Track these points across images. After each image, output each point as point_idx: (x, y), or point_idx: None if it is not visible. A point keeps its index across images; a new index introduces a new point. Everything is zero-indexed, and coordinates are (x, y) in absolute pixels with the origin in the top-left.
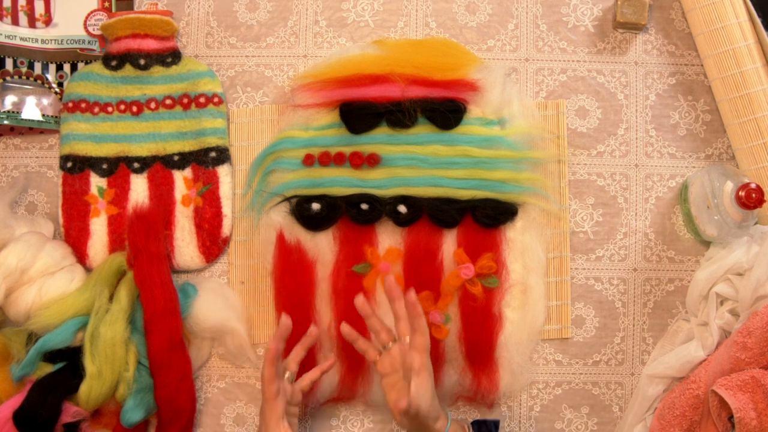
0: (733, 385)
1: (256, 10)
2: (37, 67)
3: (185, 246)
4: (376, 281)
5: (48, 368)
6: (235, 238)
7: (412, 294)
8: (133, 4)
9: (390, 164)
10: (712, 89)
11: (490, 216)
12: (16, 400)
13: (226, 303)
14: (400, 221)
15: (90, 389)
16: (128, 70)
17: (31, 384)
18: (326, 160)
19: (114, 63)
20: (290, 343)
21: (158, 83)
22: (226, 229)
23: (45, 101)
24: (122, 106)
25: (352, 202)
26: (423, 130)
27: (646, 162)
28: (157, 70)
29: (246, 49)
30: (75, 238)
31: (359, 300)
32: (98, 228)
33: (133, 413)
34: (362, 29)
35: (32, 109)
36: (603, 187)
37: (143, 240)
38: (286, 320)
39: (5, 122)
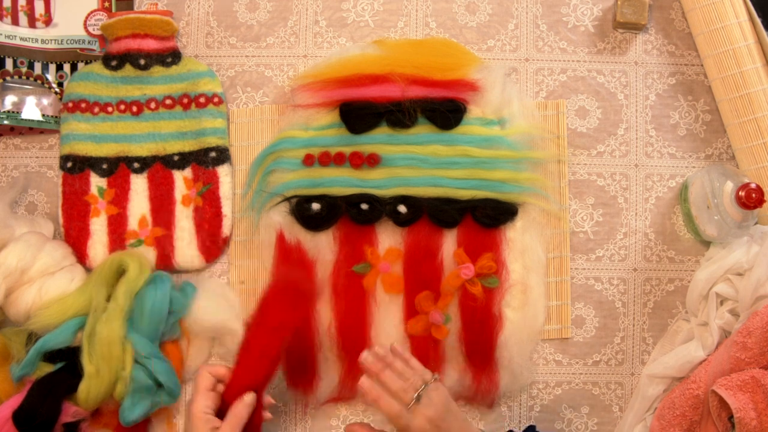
0: (733, 385)
1: (256, 10)
2: (37, 67)
3: (185, 246)
4: (376, 281)
5: (48, 368)
6: (235, 238)
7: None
8: (133, 4)
9: (390, 164)
10: (712, 89)
11: (490, 216)
12: (15, 400)
13: (226, 303)
14: (400, 221)
15: (88, 389)
16: (128, 70)
17: (30, 384)
18: (326, 160)
19: (114, 63)
20: (292, 341)
21: (158, 83)
22: (226, 229)
23: (45, 101)
24: (122, 106)
25: (352, 202)
26: (423, 130)
27: (646, 162)
28: (157, 70)
29: (246, 49)
30: (75, 238)
31: (364, 355)
32: (98, 228)
33: (130, 412)
34: (362, 29)
35: (32, 109)
36: (603, 187)
37: (282, 315)
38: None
39: (5, 122)
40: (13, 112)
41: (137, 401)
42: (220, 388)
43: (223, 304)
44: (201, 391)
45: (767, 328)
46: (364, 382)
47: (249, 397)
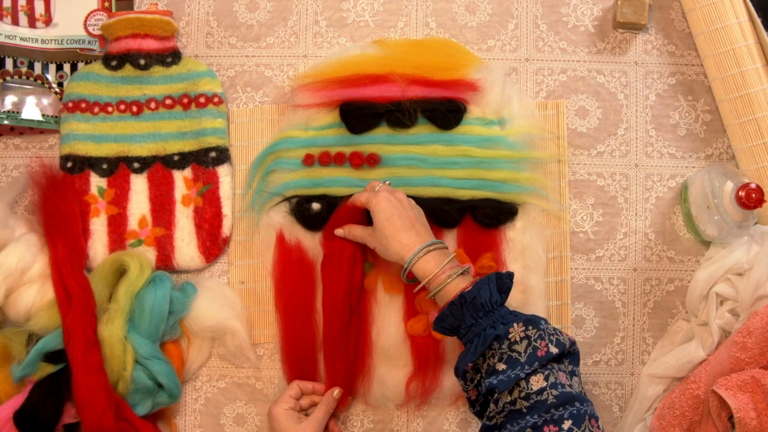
0: (733, 385)
1: (256, 10)
2: (37, 67)
3: (185, 246)
4: (376, 281)
5: (49, 369)
6: (235, 238)
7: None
8: (133, 4)
9: (390, 164)
10: (712, 89)
11: (490, 216)
12: (16, 401)
13: (226, 303)
14: None
15: None
16: (128, 70)
17: (31, 384)
18: (326, 160)
19: (114, 63)
20: (292, 340)
21: (158, 83)
22: (226, 229)
23: (45, 101)
24: (122, 106)
25: None
26: (423, 130)
27: (646, 162)
28: (157, 70)
29: (246, 49)
30: None
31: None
32: (98, 228)
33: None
34: (362, 29)
35: (32, 109)
36: (603, 187)
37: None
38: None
39: (5, 122)
40: (13, 112)
41: (138, 401)
42: (305, 401)
43: (223, 304)
44: (284, 397)
45: (767, 328)
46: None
47: (336, 392)
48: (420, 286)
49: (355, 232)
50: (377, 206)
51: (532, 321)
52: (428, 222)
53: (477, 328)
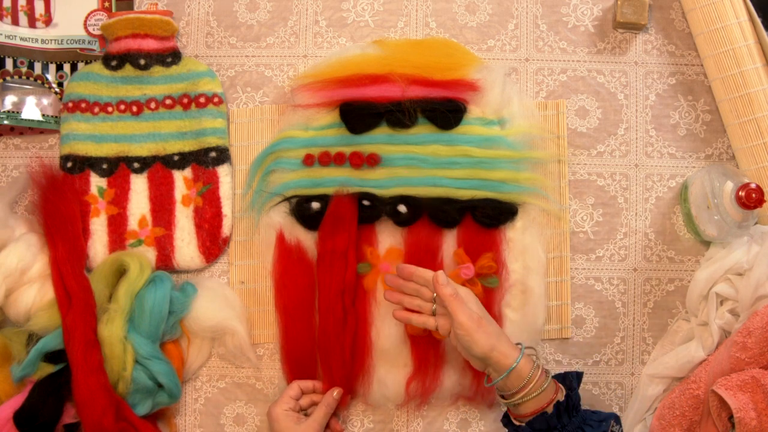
0: (733, 385)
1: (256, 10)
2: (37, 67)
3: (185, 246)
4: (376, 281)
5: (49, 369)
6: (235, 238)
7: (399, 266)
8: (133, 4)
9: (390, 164)
10: (712, 89)
11: (490, 216)
12: (16, 401)
13: (226, 303)
14: (400, 221)
15: None
16: (128, 70)
17: (31, 384)
18: (326, 160)
19: (114, 63)
20: (292, 340)
21: (158, 83)
22: (226, 229)
23: (45, 101)
24: (122, 106)
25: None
26: (423, 130)
27: (646, 162)
28: (157, 70)
29: (246, 49)
30: None
31: (388, 276)
32: (98, 228)
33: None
34: (362, 29)
35: (32, 109)
36: (603, 187)
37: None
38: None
39: (5, 122)
40: (13, 112)
41: (138, 401)
42: (305, 401)
43: (223, 304)
44: (284, 397)
45: (767, 328)
46: (395, 313)
47: (336, 392)
48: (518, 397)
49: (444, 325)
50: (465, 328)
51: (617, 417)
52: (428, 222)
53: (570, 426)
